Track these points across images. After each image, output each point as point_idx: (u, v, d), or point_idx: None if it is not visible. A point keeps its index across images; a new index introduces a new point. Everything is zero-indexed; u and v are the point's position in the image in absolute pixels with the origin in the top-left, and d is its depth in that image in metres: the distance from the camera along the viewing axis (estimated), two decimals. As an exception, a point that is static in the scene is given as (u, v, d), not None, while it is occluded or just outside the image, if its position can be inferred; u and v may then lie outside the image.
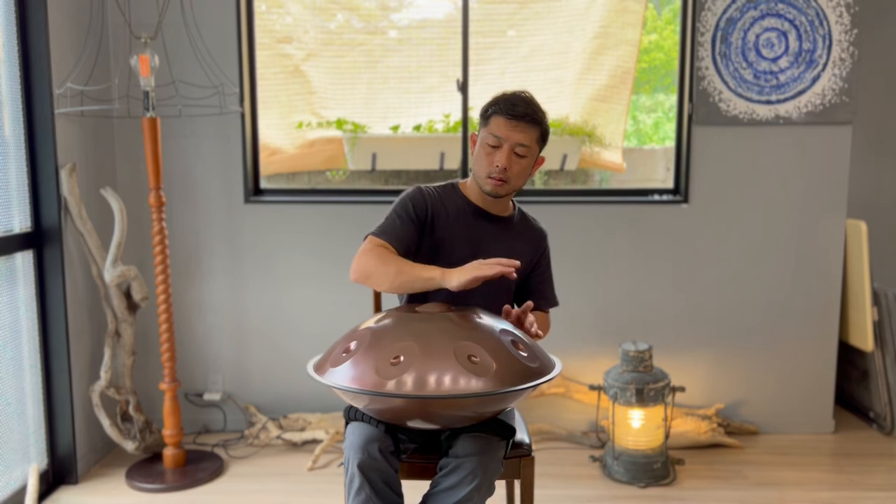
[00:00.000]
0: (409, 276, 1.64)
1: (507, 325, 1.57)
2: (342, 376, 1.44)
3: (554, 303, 1.96)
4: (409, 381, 1.37)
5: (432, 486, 1.56)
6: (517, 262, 1.57)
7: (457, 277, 1.57)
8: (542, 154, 1.83)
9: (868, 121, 3.44)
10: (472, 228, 1.83)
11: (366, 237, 1.77)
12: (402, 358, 1.41)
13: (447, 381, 1.37)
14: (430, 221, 1.81)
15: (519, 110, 1.72)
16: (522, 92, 1.78)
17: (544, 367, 1.51)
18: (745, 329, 3.11)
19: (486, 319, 1.56)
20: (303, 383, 3.10)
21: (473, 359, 1.41)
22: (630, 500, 2.57)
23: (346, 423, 1.67)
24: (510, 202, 1.90)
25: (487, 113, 1.77)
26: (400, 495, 1.57)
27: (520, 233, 1.89)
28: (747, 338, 3.11)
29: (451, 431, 1.59)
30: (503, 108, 1.73)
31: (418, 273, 1.64)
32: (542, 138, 1.79)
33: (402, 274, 1.65)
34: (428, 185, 1.87)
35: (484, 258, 1.76)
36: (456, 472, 1.53)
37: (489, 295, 1.80)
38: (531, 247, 1.89)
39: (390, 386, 1.38)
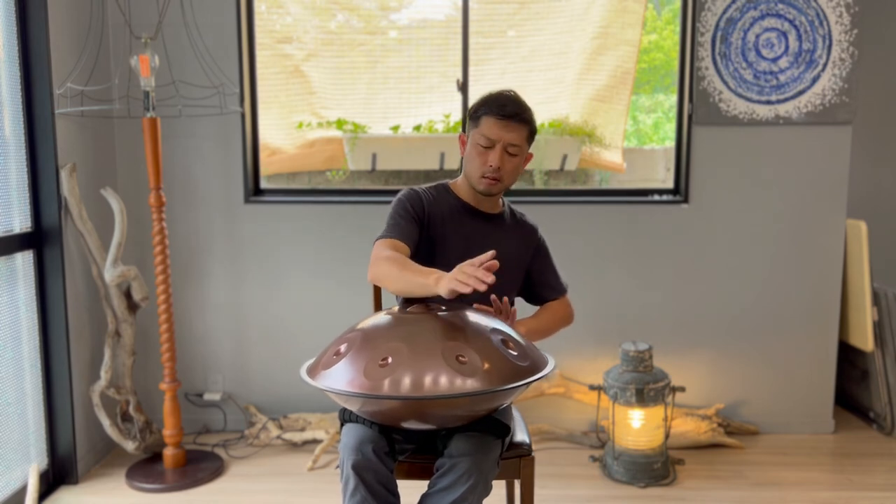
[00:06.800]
0: (406, 281, 1.59)
1: (499, 324, 1.57)
2: (333, 379, 1.44)
3: (562, 290, 1.98)
4: (396, 383, 1.38)
5: (429, 487, 1.56)
6: (497, 268, 1.48)
7: (444, 285, 1.48)
8: (531, 150, 1.87)
9: (868, 121, 3.44)
10: (466, 227, 1.85)
11: (375, 242, 1.76)
12: (389, 359, 1.41)
13: (434, 381, 1.38)
14: (427, 220, 1.82)
15: (509, 110, 1.75)
16: (508, 91, 1.81)
17: (535, 366, 1.50)
18: (745, 329, 3.11)
19: (477, 319, 1.56)
20: (303, 383, 3.09)
21: (461, 359, 1.41)
22: (630, 500, 2.57)
23: (342, 425, 1.67)
24: (500, 200, 1.93)
25: (477, 114, 1.80)
26: (395, 495, 1.57)
27: (512, 229, 1.92)
28: (747, 338, 3.11)
29: (447, 431, 1.59)
30: (493, 109, 1.76)
31: (413, 278, 1.58)
32: (531, 136, 1.82)
33: (401, 279, 1.60)
34: (420, 186, 1.89)
35: (477, 255, 1.75)
36: (451, 472, 1.53)
37: (494, 290, 1.79)
38: (524, 242, 1.92)
39: (377, 388, 1.38)
